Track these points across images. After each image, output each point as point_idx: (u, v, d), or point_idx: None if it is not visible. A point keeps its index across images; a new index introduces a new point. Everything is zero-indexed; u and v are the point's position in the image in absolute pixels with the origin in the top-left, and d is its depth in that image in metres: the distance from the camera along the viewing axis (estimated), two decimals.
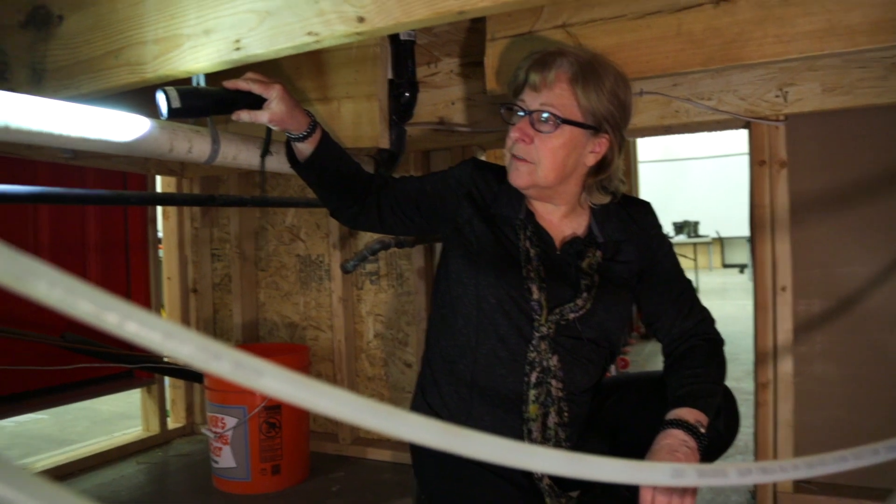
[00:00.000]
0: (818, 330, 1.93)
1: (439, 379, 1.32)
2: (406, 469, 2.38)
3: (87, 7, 1.40)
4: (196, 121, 1.45)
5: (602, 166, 1.24)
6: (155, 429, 2.86)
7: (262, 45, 1.18)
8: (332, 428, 2.70)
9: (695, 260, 8.81)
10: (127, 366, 2.57)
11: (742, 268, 10.83)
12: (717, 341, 1.28)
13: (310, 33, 1.14)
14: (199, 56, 1.25)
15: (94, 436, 3.00)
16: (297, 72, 1.72)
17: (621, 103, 1.21)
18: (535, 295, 1.22)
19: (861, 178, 1.87)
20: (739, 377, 3.19)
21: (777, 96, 1.87)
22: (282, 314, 2.85)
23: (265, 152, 1.38)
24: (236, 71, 1.29)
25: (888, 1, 1.30)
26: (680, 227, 9.61)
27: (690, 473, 0.49)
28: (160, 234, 2.98)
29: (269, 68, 1.30)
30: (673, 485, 0.62)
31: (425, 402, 1.35)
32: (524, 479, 1.24)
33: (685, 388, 1.19)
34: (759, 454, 1.98)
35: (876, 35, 1.31)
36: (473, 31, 1.89)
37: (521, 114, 1.21)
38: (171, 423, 2.96)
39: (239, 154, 1.40)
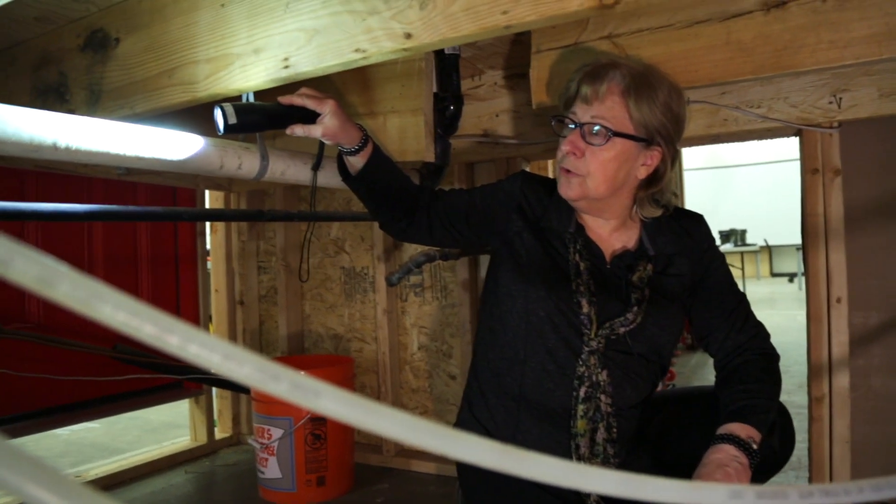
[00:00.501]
0: (876, 343, 1.86)
1: (486, 392, 1.32)
2: (450, 481, 2.37)
3: (142, 29, 1.44)
4: (245, 137, 1.48)
5: (654, 179, 1.22)
6: (202, 439, 2.91)
7: (310, 62, 1.20)
8: (376, 440, 2.71)
9: (742, 269, 8.63)
10: (176, 377, 2.62)
11: (791, 277, 10.53)
12: (772, 356, 1.25)
13: (357, 50, 1.15)
14: (249, 74, 1.28)
15: (144, 445, 3.07)
16: (344, 87, 1.74)
17: (675, 116, 1.19)
18: (585, 309, 1.20)
19: None
20: (791, 390, 3.10)
21: (830, 103, 1.82)
22: (326, 326, 2.87)
23: (317, 166, 1.40)
24: (285, 88, 1.32)
25: None
26: (727, 236, 9.42)
27: (749, 495, 0.48)
28: (208, 248, 3.05)
29: (317, 84, 1.32)
30: None
31: (472, 415, 1.35)
32: (571, 494, 1.23)
33: (738, 404, 1.16)
34: (813, 471, 1.92)
35: None
36: (517, 42, 1.89)
37: (572, 126, 1.20)
38: (218, 433, 3.00)
39: (287, 169, 1.42)
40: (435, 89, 1.71)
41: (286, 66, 1.22)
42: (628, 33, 1.48)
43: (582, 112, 1.19)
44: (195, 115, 1.91)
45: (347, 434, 2.37)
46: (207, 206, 3.01)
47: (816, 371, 1.89)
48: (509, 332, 1.27)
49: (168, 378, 2.67)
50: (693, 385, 3.62)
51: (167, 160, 1.16)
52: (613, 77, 1.17)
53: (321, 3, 1.18)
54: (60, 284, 0.29)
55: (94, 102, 1.55)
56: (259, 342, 3.04)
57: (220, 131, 1.17)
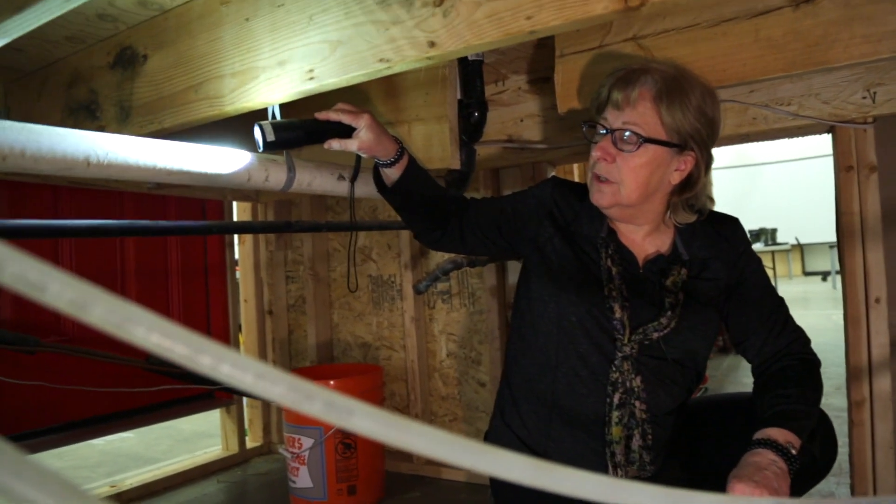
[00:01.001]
0: None
1: (518, 398, 1.31)
2: (481, 489, 2.35)
3: (169, 45, 1.46)
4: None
5: (688, 184, 1.20)
6: (234, 448, 2.93)
7: (334, 73, 1.20)
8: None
9: (773, 268, 8.48)
10: (207, 387, 2.65)
11: (825, 275, 10.32)
12: (812, 362, 1.21)
13: (381, 60, 1.15)
14: (274, 87, 1.28)
15: (177, 454, 3.11)
16: (369, 96, 1.75)
17: (708, 120, 1.17)
18: (618, 314, 1.19)
19: None
20: (828, 392, 2.99)
21: (864, 98, 1.77)
22: (355, 334, 2.88)
23: (354, 178, 1.42)
24: (312, 100, 1.33)
25: None
26: (757, 235, 9.27)
27: None
28: (236, 257, 3.07)
29: (343, 94, 1.33)
30: None
31: (504, 423, 1.34)
32: None
33: (776, 408, 1.13)
34: (855, 478, 1.86)
35: None
36: (541, 46, 1.88)
37: (604, 132, 1.19)
38: (249, 443, 3.02)
39: (313, 180, 1.43)
40: (459, 96, 1.70)
41: (311, 78, 1.23)
42: (654, 34, 1.46)
43: (613, 118, 1.17)
44: (223, 128, 1.93)
45: (378, 443, 2.37)
46: (235, 216, 3.04)
47: (856, 374, 1.84)
48: (541, 338, 1.26)
49: (199, 388, 2.69)
50: (727, 391, 3.55)
51: (196, 174, 1.17)
52: (645, 82, 1.15)
53: (344, 14, 1.19)
54: (94, 308, 0.29)
55: (123, 118, 1.57)
56: (288, 351, 3.06)
57: (259, 149, 1.19)
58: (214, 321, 2.83)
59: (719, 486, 1.05)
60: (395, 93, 1.72)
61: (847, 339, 1.86)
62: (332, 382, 2.26)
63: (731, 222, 1.29)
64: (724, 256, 1.25)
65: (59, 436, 2.29)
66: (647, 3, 0.91)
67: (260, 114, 1.41)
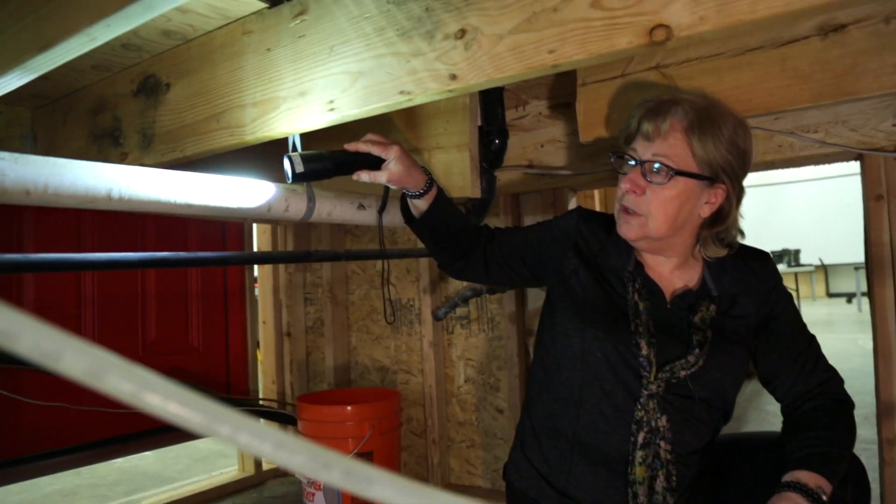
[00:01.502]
0: None
1: (539, 432, 1.28)
2: None
3: (192, 74, 1.47)
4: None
5: (718, 218, 1.17)
6: (250, 469, 2.92)
7: (355, 105, 1.20)
8: (422, 473, 2.68)
9: (797, 290, 8.34)
10: None
11: (850, 297, 10.13)
12: (846, 403, 1.17)
13: (402, 92, 1.15)
14: (295, 117, 1.29)
15: (194, 473, 3.10)
16: (390, 124, 1.75)
17: (741, 152, 1.14)
18: (644, 351, 1.16)
19: None
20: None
21: (894, 125, 1.74)
22: (373, 358, 2.87)
23: (382, 209, 1.41)
24: (333, 130, 1.32)
25: None
26: (779, 256, 9.14)
27: None
28: (256, 274, 3.08)
29: (363, 123, 1.32)
30: None
31: (524, 456, 1.32)
32: None
33: (807, 451, 1.10)
34: None
35: None
36: (562, 72, 1.87)
37: (633, 163, 1.16)
38: (265, 465, 3.01)
39: (333, 210, 1.42)
40: (480, 122, 1.70)
41: (331, 109, 1.23)
42: (677, 63, 1.45)
43: (643, 149, 1.15)
44: (243, 153, 1.94)
45: (394, 469, 2.34)
46: (255, 238, 3.06)
47: (887, 410, 1.79)
48: (564, 373, 1.23)
49: None
50: (749, 418, 3.48)
51: (216, 207, 1.17)
52: (676, 113, 1.13)
53: (365, 46, 1.19)
54: (109, 377, 0.29)
55: (146, 146, 1.58)
56: (306, 373, 3.05)
57: (288, 180, 1.18)
58: (233, 343, 2.83)
59: None
60: (415, 120, 1.71)
61: (877, 374, 1.81)
62: (349, 408, 2.24)
63: (762, 257, 1.26)
64: (754, 292, 1.21)
65: (80, 455, 2.29)
66: (673, 38, 0.90)
67: (281, 142, 1.42)
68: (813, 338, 1.23)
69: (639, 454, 1.16)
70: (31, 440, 2.15)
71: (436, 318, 2.17)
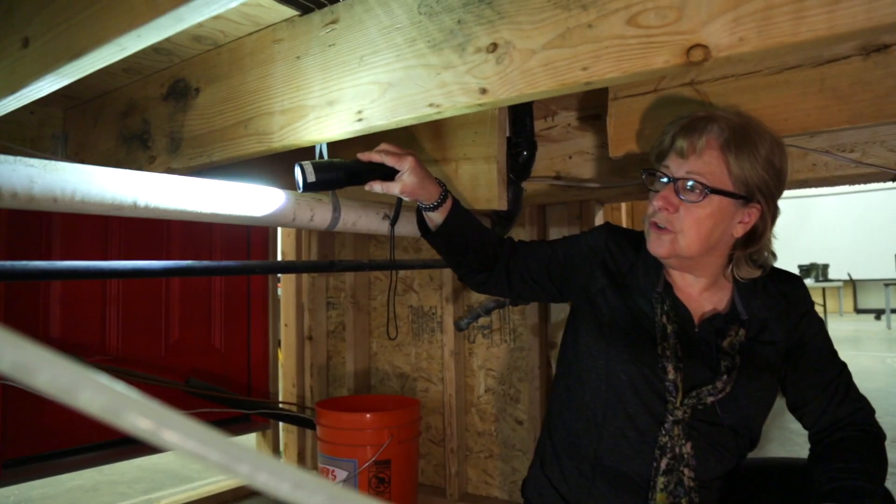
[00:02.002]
0: None
1: (560, 452, 1.26)
2: None
3: (221, 80, 1.47)
4: None
5: (751, 238, 1.14)
6: None
7: (383, 116, 1.19)
8: (439, 482, 2.66)
9: (824, 305, 8.19)
10: (244, 411, 2.65)
11: (878, 314, 9.92)
12: (877, 435, 1.14)
13: (431, 105, 1.13)
14: (322, 127, 1.28)
15: (213, 473, 3.12)
16: (417, 133, 1.74)
17: (776, 171, 1.11)
18: (671, 375, 1.13)
19: None
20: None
21: None
22: (393, 364, 2.86)
23: (394, 221, 1.39)
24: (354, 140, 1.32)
25: None
26: (807, 270, 8.97)
27: None
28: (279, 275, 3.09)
29: (389, 130, 1.31)
30: None
31: (544, 475, 1.30)
32: None
33: (836, 483, 1.06)
34: None
35: None
36: None
37: (665, 180, 1.14)
38: None
39: (359, 220, 1.41)
40: (508, 133, 1.68)
41: (359, 119, 1.22)
42: (712, 80, 1.42)
43: (676, 166, 1.12)
44: (270, 158, 1.94)
45: (412, 477, 2.33)
46: (280, 241, 3.07)
47: None
48: (588, 393, 1.21)
49: (237, 412, 2.70)
50: (772, 436, 3.42)
51: (241, 216, 1.17)
52: (711, 130, 1.10)
53: (395, 57, 1.18)
54: (127, 414, 0.29)
55: (174, 150, 1.59)
56: (326, 378, 3.05)
57: (299, 189, 1.17)
58: (255, 345, 2.85)
59: None
60: (442, 130, 1.70)
61: None
62: (368, 416, 2.24)
63: (794, 281, 1.23)
64: (785, 318, 1.18)
65: (100, 453, 2.31)
66: (711, 59, 0.88)
67: (308, 151, 1.41)
68: (844, 366, 1.20)
69: (661, 480, 1.13)
70: (52, 437, 2.18)
71: (458, 328, 2.15)
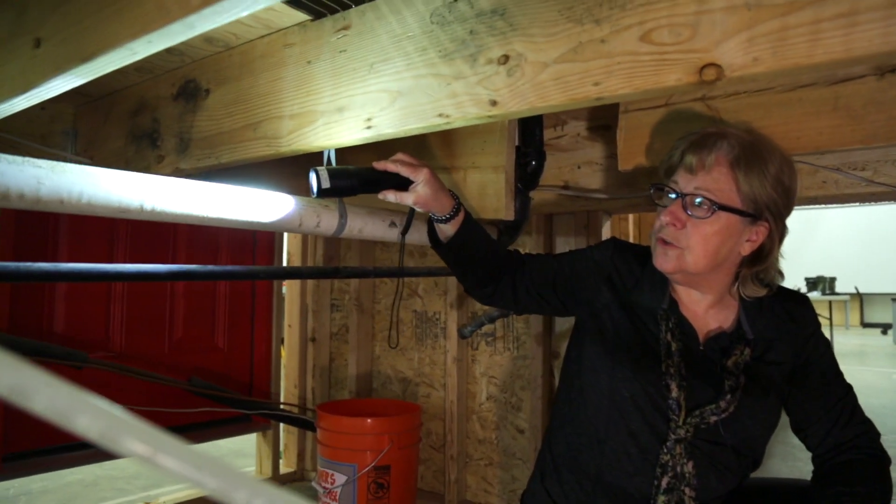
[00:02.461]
0: None
1: (560, 467, 1.25)
2: None
3: (232, 82, 1.47)
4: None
5: (758, 257, 1.13)
6: (267, 472, 2.93)
7: (392, 124, 1.19)
8: (438, 488, 2.65)
9: (830, 319, 8.13)
10: (245, 411, 2.65)
11: (885, 328, 9.85)
12: (881, 458, 1.12)
13: (441, 115, 1.13)
14: (331, 133, 1.28)
15: None
16: (425, 139, 1.73)
17: (785, 190, 1.10)
18: (674, 393, 1.12)
19: None
20: None
21: None
22: (395, 368, 2.85)
23: (405, 231, 1.39)
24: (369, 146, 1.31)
25: None
26: (814, 284, 8.92)
27: None
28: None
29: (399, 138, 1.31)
30: None
31: (543, 488, 1.29)
32: None
33: None
34: None
35: None
36: None
37: (673, 196, 1.13)
38: (283, 467, 3.02)
39: (365, 227, 1.41)
40: (517, 143, 1.67)
41: (369, 127, 1.22)
42: (724, 96, 1.41)
43: (685, 182, 1.11)
44: (277, 163, 1.94)
45: (411, 483, 2.32)
46: (286, 244, 3.07)
47: None
48: (590, 409, 1.20)
49: (238, 412, 2.70)
50: (774, 452, 3.40)
51: (247, 222, 1.17)
52: (721, 147, 1.09)
53: (406, 65, 1.17)
54: (125, 439, 0.29)
55: (182, 150, 1.59)
56: (328, 379, 3.05)
57: (313, 194, 1.17)
58: (258, 345, 2.84)
59: None
60: (451, 138, 1.69)
61: None
62: (368, 421, 2.23)
63: (800, 301, 1.22)
64: (791, 338, 1.17)
65: (101, 449, 2.31)
66: (724, 79, 0.87)
67: (316, 156, 1.41)
68: (849, 388, 1.18)
69: (661, 499, 1.12)
70: (52, 432, 2.18)
71: (461, 335, 2.15)
